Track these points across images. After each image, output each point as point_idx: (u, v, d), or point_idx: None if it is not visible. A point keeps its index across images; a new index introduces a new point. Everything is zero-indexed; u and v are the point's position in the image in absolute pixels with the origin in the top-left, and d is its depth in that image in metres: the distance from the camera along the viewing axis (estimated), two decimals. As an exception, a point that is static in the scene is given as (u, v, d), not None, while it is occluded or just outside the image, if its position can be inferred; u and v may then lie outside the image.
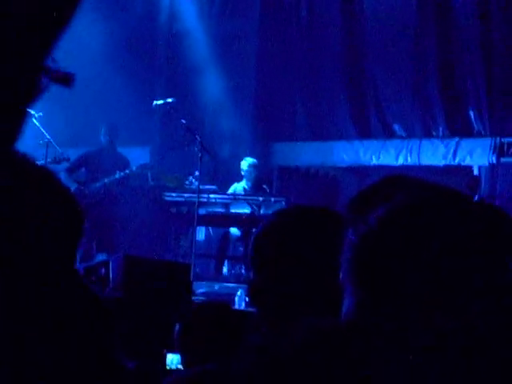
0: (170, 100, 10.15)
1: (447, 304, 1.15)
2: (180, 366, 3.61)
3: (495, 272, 1.17)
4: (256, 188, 10.19)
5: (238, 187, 10.30)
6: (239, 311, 6.44)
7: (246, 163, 10.23)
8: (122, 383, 1.47)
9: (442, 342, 1.14)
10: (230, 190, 10.32)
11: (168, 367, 4.26)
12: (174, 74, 12.19)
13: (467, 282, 1.15)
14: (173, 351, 4.17)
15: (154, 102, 10.15)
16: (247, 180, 10.24)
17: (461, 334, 1.14)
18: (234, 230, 10.13)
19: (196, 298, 7.12)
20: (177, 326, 3.25)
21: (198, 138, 9.51)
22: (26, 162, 1.39)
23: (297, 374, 1.18)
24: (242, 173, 10.26)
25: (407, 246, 1.17)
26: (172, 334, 3.30)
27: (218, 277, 9.88)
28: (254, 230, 9.95)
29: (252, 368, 1.22)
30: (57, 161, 9.47)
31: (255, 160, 10.29)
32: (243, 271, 9.98)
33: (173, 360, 4.28)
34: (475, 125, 10.55)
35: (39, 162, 7.20)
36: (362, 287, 1.19)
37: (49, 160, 9.40)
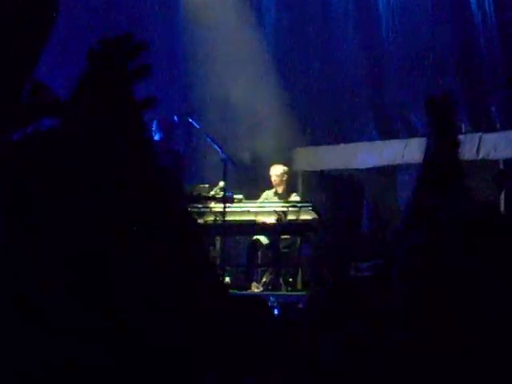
0: (189, 111, 10.12)
1: None
2: None
3: None
4: (288, 194, 10.10)
5: (270, 194, 10.16)
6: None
7: (276, 170, 10.13)
8: None
9: None
10: (262, 198, 10.16)
11: None
12: (191, 82, 12.07)
13: None
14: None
15: (175, 117, 9.97)
16: (278, 186, 10.12)
17: None
18: (261, 238, 10.01)
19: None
20: None
21: (219, 147, 9.43)
22: None
23: None
24: (273, 179, 10.13)
25: None
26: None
27: (248, 285, 9.80)
28: (282, 237, 9.91)
29: None
30: None
31: (285, 167, 10.21)
32: (273, 278, 9.90)
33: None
34: (497, 119, 10.46)
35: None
36: None
37: None
